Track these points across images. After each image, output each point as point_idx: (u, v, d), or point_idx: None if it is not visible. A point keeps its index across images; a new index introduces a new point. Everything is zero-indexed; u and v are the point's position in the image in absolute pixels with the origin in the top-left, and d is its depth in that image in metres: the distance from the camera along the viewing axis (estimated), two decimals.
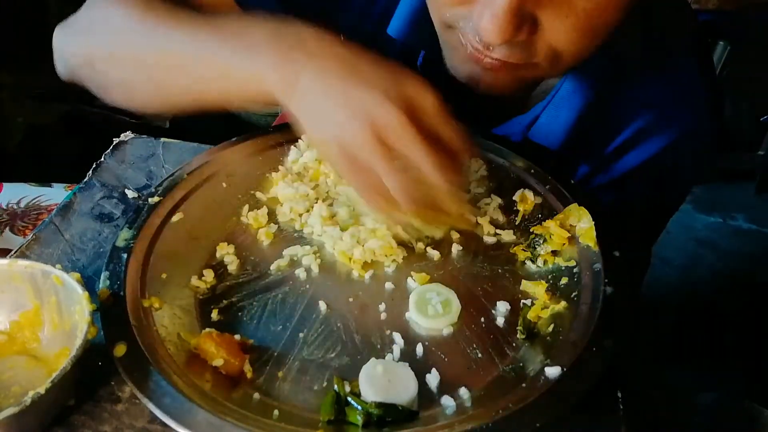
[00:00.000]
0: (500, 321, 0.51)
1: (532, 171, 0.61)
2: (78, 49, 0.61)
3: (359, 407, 0.43)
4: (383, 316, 0.52)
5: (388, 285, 0.54)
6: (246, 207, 0.61)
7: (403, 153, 0.47)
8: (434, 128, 0.48)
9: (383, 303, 0.53)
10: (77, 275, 0.46)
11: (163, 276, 0.52)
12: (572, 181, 0.59)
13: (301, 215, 0.60)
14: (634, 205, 0.70)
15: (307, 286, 0.54)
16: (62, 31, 0.63)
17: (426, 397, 0.45)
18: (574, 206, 0.56)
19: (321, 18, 0.74)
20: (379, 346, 0.49)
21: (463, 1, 0.51)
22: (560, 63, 0.53)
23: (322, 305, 0.52)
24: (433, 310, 0.51)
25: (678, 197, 0.77)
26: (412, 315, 0.51)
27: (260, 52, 0.50)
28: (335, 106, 0.47)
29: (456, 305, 0.52)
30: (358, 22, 0.73)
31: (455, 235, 0.60)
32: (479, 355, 0.49)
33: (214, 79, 0.53)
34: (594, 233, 0.53)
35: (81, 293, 0.45)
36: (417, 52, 0.69)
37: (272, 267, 0.56)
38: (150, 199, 0.56)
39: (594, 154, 0.68)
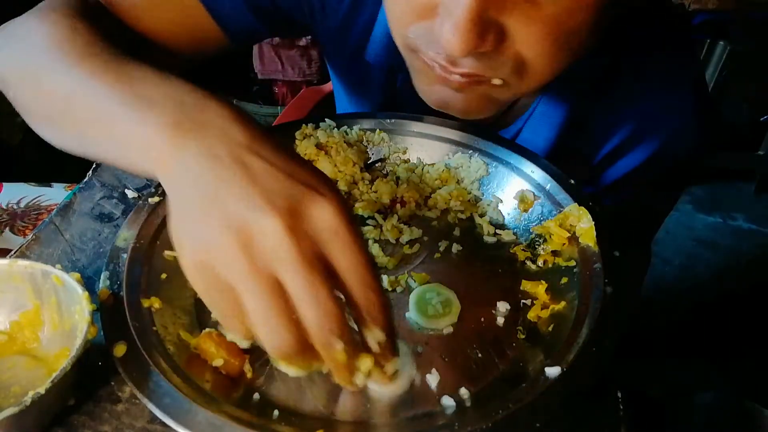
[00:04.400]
0: (500, 321, 0.51)
1: (532, 171, 0.61)
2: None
3: None
4: None
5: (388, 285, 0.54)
6: None
7: (278, 275, 0.36)
8: (338, 261, 0.37)
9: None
10: (77, 275, 0.46)
11: (163, 276, 0.52)
12: (572, 181, 0.59)
13: None
14: (624, 211, 0.70)
15: None
16: None
17: (426, 397, 0.45)
18: (574, 206, 0.56)
19: (300, 33, 0.74)
20: None
21: (422, 16, 0.48)
22: (530, 77, 0.50)
23: None
24: (433, 310, 0.51)
25: (671, 198, 0.77)
26: (412, 315, 0.51)
27: (149, 113, 0.40)
28: (204, 205, 0.36)
29: (456, 305, 0.52)
30: (337, 43, 0.72)
31: (455, 235, 0.60)
32: (479, 355, 0.49)
33: (103, 134, 0.44)
34: (594, 233, 0.53)
35: (81, 293, 0.45)
36: (396, 73, 0.68)
37: None
38: (150, 199, 0.56)
39: (580, 165, 0.68)
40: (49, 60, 0.48)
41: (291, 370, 0.40)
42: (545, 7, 0.45)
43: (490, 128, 0.69)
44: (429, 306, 0.51)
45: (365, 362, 0.40)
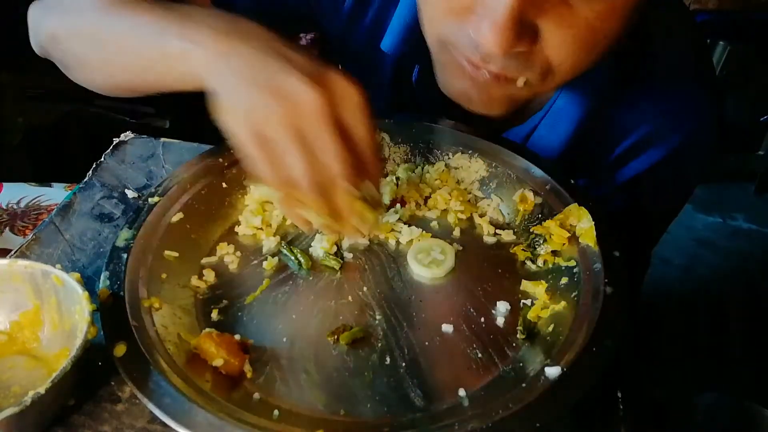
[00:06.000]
0: (500, 321, 0.51)
1: (532, 171, 0.61)
2: (46, 26, 0.62)
3: None
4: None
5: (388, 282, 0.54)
6: (246, 207, 0.61)
7: (312, 137, 0.46)
8: (352, 126, 0.47)
9: (383, 301, 0.53)
10: (77, 275, 0.46)
11: (163, 276, 0.52)
12: (572, 181, 0.59)
13: None
14: (636, 210, 0.70)
15: (307, 286, 0.54)
16: (35, 7, 0.63)
17: (426, 397, 0.45)
18: (574, 206, 0.56)
19: (307, 26, 0.74)
20: (380, 345, 0.49)
21: (459, 13, 0.49)
22: (553, 78, 0.52)
23: (323, 305, 0.52)
24: (429, 259, 0.56)
25: (680, 201, 0.77)
26: (413, 267, 0.56)
27: (195, 32, 0.50)
28: (255, 83, 0.46)
29: (451, 254, 0.56)
30: (346, 33, 0.73)
31: (455, 235, 0.60)
32: (479, 355, 0.49)
33: (153, 58, 0.53)
34: (594, 233, 0.53)
35: (81, 293, 0.45)
36: (411, 66, 0.68)
37: (272, 266, 0.56)
38: (150, 199, 0.56)
39: (595, 163, 0.68)
40: (101, 12, 0.56)
41: (307, 214, 0.51)
42: (580, 12, 0.46)
43: (506, 124, 0.69)
44: (427, 256, 0.56)
45: (358, 204, 0.50)
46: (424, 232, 0.59)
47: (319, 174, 0.47)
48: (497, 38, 0.45)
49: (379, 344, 0.49)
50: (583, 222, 0.55)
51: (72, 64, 0.61)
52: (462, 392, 0.45)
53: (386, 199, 0.62)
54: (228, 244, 0.57)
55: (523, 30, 0.46)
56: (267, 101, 0.45)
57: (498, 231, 0.60)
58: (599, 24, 0.47)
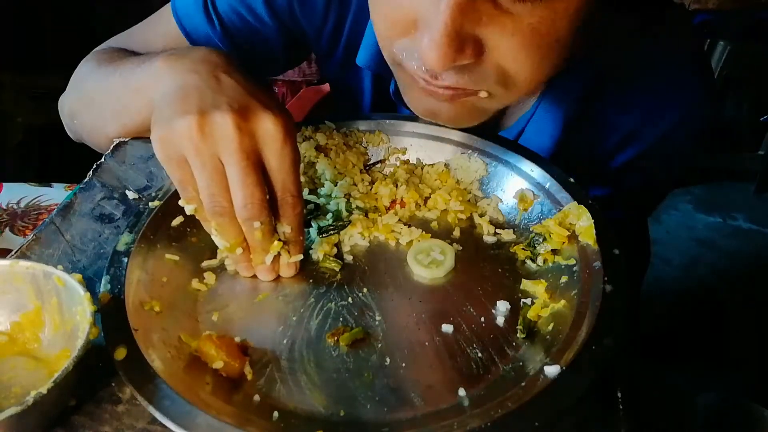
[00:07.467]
0: (500, 321, 0.51)
1: (531, 170, 0.61)
2: (65, 109, 0.71)
3: None
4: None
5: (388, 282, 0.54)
6: None
7: (228, 169, 0.47)
8: (272, 168, 0.48)
9: (383, 302, 0.53)
10: (79, 276, 0.46)
11: (164, 279, 0.52)
12: (572, 180, 0.59)
13: None
14: (624, 192, 0.71)
15: (307, 287, 0.54)
16: (61, 98, 0.73)
17: (426, 396, 0.45)
18: (573, 204, 0.56)
19: (296, 53, 0.77)
20: (380, 346, 0.49)
21: (403, 32, 0.49)
22: (515, 86, 0.51)
23: (323, 306, 0.52)
24: (429, 260, 0.56)
25: (668, 183, 0.78)
26: (413, 267, 0.55)
27: (151, 64, 0.55)
28: (178, 99, 0.48)
29: (451, 254, 0.56)
30: (329, 52, 0.73)
31: (455, 235, 0.60)
32: (479, 354, 0.49)
33: (126, 97, 0.59)
34: (593, 231, 0.53)
35: (82, 294, 0.45)
36: (388, 80, 0.69)
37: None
38: (150, 203, 0.57)
39: (585, 158, 0.68)
40: (91, 77, 0.66)
41: (220, 241, 0.51)
42: (522, 19, 0.45)
43: (490, 130, 0.69)
44: (427, 257, 0.56)
45: (275, 246, 0.51)
46: (423, 232, 0.59)
47: (227, 204, 0.48)
48: (436, 54, 0.45)
49: (379, 345, 0.49)
50: (582, 220, 0.55)
51: (84, 137, 0.69)
52: (462, 392, 0.45)
53: (385, 201, 0.62)
54: None
55: (465, 43, 0.46)
56: (180, 117, 0.46)
57: (498, 230, 0.60)
58: (546, 29, 0.46)
